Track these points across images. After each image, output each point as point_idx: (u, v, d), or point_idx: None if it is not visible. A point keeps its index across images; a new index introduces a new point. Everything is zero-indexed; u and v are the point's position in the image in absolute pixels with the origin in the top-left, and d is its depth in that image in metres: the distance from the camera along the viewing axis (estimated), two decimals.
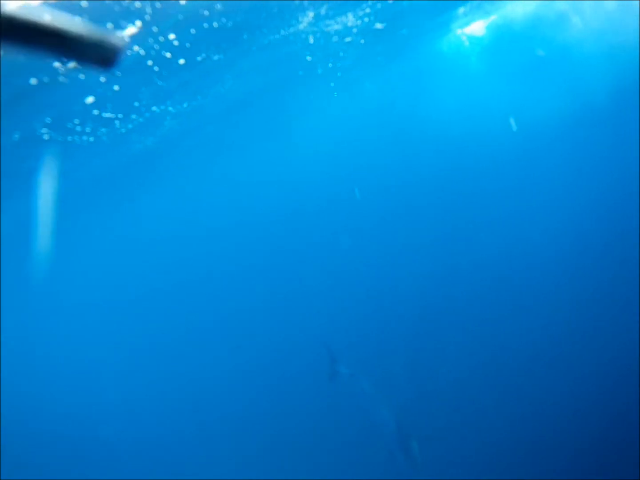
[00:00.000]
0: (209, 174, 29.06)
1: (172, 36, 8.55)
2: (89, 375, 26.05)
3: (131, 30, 7.38)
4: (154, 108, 13.60)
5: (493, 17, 24.46)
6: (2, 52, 6.70)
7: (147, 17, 7.04)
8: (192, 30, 8.84)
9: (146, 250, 32.98)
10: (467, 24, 23.56)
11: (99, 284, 32.47)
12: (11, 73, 7.71)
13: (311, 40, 13.96)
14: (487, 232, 21.65)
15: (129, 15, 6.87)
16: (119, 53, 0.99)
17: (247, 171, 31.65)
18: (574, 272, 17.70)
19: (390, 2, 13.37)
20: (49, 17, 0.88)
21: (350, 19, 13.68)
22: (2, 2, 0.84)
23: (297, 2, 10.58)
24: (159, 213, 30.77)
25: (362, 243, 25.04)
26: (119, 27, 7.21)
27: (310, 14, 12.06)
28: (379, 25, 15.30)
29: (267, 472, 15.41)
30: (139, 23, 7.07)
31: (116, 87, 9.82)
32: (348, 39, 15.26)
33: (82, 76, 8.06)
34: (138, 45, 8.13)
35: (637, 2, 23.91)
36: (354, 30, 14.67)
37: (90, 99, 9.75)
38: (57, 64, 7.39)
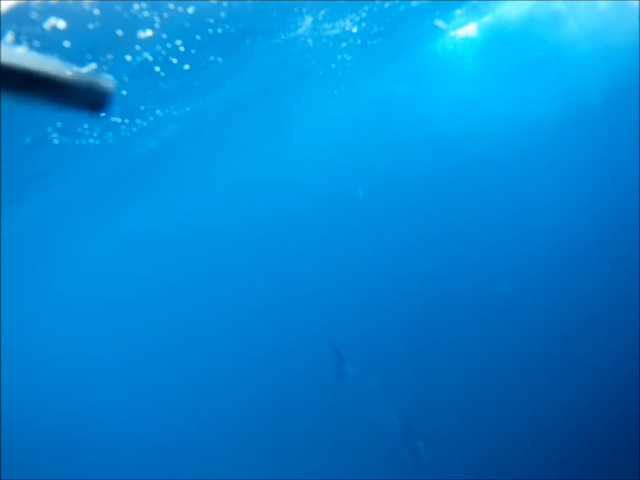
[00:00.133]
0: (211, 175, 29.35)
1: (178, 42, 8.96)
2: (89, 375, 26.22)
3: (142, 35, 7.77)
4: (157, 112, 14.00)
5: (487, 18, 24.72)
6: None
7: (157, 25, 7.45)
8: (198, 37, 9.26)
9: (147, 251, 33.21)
10: (461, 25, 23.87)
11: (103, 283, 32.71)
12: None
13: (310, 44, 14.38)
14: (486, 232, 21.79)
15: (142, 23, 7.28)
16: (108, 97, 0.99)
17: (248, 172, 31.93)
18: (571, 272, 17.80)
19: (387, 6, 13.78)
20: (37, 64, 0.87)
21: (347, 23, 14.10)
22: None
23: (296, 8, 11.00)
24: (160, 215, 31.04)
25: (367, 243, 25.10)
26: (130, 34, 7.61)
27: (309, 19, 12.48)
28: (375, 29, 15.73)
29: (274, 471, 15.49)
30: (149, 32, 7.47)
31: (124, 92, 10.22)
32: (345, 44, 15.68)
33: None
34: (147, 52, 8.53)
35: (631, 2, 24.26)
36: (352, 33, 15.08)
37: None
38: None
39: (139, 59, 8.72)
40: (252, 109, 19.84)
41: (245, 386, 20.25)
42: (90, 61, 8.01)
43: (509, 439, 13.07)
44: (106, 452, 19.77)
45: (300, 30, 12.90)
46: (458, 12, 19.60)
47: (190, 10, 7.74)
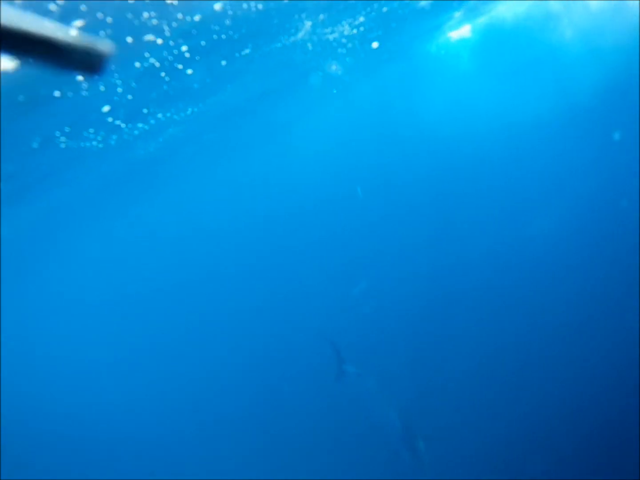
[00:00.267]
0: (212, 177, 29.45)
1: (184, 48, 9.17)
2: (89, 375, 26.27)
3: (150, 38, 7.96)
4: (159, 115, 14.19)
5: (482, 19, 24.90)
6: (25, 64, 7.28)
7: (167, 33, 7.66)
8: (203, 42, 9.47)
9: (148, 251, 33.29)
10: (456, 26, 24.07)
11: (105, 284, 32.76)
12: (36, 85, 8.29)
13: (310, 47, 14.60)
14: (484, 232, 21.87)
15: (151, 29, 7.49)
16: (105, 60, 0.99)
17: (249, 174, 32.06)
18: (568, 272, 17.83)
19: (385, 11, 14.02)
20: (36, 25, 0.88)
21: (346, 28, 14.33)
22: None
23: (296, 15, 11.23)
24: (162, 217, 31.15)
25: (367, 243, 25.20)
26: (139, 39, 7.82)
27: (309, 23, 12.71)
28: (373, 33, 15.98)
29: (274, 471, 15.55)
30: (159, 40, 7.68)
31: (130, 97, 10.41)
32: (344, 47, 15.90)
33: (102, 88, 8.66)
34: (154, 58, 8.74)
35: (626, 2, 24.47)
36: (350, 37, 15.31)
37: (106, 108, 10.34)
38: (80, 78, 7.96)
39: (146, 64, 8.93)
40: (252, 112, 20.01)
41: (245, 386, 20.30)
42: None
43: (509, 438, 13.13)
44: (106, 452, 19.80)
45: (300, 35, 13.14)
46: (456, 15, 19.83)
47: (197, 18, 7.95)
